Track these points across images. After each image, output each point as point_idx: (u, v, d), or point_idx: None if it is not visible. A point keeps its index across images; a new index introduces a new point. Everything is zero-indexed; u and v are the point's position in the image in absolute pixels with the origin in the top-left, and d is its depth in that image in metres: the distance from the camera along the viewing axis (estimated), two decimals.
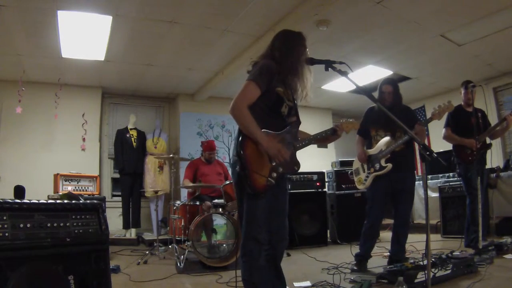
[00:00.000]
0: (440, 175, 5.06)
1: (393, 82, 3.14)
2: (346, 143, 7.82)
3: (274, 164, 1.78)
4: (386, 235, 4.30)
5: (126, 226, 5.39)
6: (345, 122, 2.15)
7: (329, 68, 1.90)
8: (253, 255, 1.77)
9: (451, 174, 4.86)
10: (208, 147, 4.48)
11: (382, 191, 3.00)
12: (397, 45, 4.60)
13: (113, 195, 6.20)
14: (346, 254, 3.36)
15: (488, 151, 3.74)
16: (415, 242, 3.90)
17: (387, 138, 2.99)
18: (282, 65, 1.87)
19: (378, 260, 3.32)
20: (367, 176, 3.08)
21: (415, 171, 3.24)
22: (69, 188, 4.43)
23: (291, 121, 1.94)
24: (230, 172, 1.93)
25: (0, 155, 5.13)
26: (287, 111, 1.90)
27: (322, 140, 2.11)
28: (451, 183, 4.70)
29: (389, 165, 2.94)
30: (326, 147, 7.00)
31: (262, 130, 1.76)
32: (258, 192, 1.75)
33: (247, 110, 1.74)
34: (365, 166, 3.12)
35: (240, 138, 1.77)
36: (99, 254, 1.65)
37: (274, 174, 1.78)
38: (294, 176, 4.75)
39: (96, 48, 4.48)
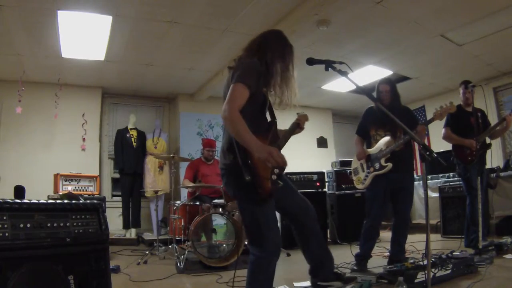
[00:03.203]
0: (440, 175, 5.05)
1: (390, 82, 3.13)
2: (346, 143, 7.85)
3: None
4: (386, 235, 4.30)
5: (126, 226, 5.38)
6: (302, 115, 2.16)
7: (329, 68, 1.90)
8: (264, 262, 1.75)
9: (451, 174, 4.85)
10: (208, 143, 4.54)
11: (381, 190, 2.98)
12: (397, 45, 4.60)
13: (113, 195, 6.20)
14: (346, 254, 3.35)
15: (488, 151, 3.74)
16: (415, 242, 3.90)
17: (387, 138, 2.98)
18: (271, 67, 1.81)
19: (378, 260, 3.31)
20: (367, 176, 3.06)
21: (414, 171, 3.24)
22: (69, 188, 4.43)
23: (271, 121, 1.92)
24: (225, 182, 1.82)
25: (0, 155, 5.13)
26: (266, 111, 1.89)
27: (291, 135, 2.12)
28: (451, 183, 4.69)
29: (389, 165, 2.92)
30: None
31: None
32: (268, 197, 1.69)
33: (239, 115, 1.62)
34: (364, 166, 3.11)
35: (238, 145, 1.65)
36: (99, 254, 1.65)
37: (274, 176, 1.74)
38: (294, 176, 4.75)
39: (96, 48, 4.48)
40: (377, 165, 2.99)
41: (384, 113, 2.96)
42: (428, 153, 1.62)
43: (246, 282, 1.78)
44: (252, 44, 1.91)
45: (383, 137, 3.02)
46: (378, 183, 2.99)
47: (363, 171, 3.11)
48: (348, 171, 4.74)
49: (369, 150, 3.10)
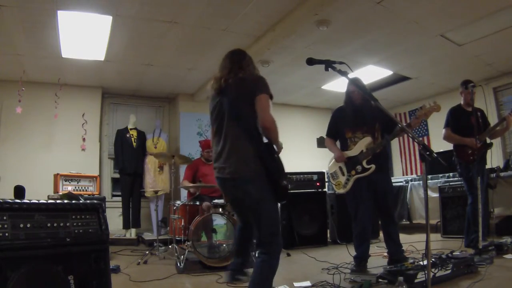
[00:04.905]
0: (440, 175, 5.05)
1: (357, 80, 3.07)
2: None
3: None
4: None
5: (126, 226, 5.38)
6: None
7: (329, 68, 1.90)
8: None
9: (451, 174, 4.85)
10: (206, 145, 4.52)
11: (364, 192, 2.93)
12: (397, 45, 4.60)
13: (113, 195, 6.20)
14: (346, 254, 3.35)
15: (488, 151, 3.73)
16: (415, 242, 3.90)
17: (368, 139, 2.92)
18: None
19: (378, 260, 3.32)
20: (348, 179, 2.98)
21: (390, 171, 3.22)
22: (69, 188, 4.43)
23: None
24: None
25: (0, 155, 5.13)
26: None
27: None
28: (451, 183, 4.69)
29: (373, 166, 2.86)
30: None
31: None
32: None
33: None
34: (344, 169, 3.01)
35: (267, 152, 1.88)
36: (99, 254, 1.65)
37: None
38: (294, 176, 4.75)
39: (96, 48, 4.48)
40: (359, 168, 2.92)
41: (356, 113, 2.95)
42: (428, 153, 1.62)
43: (253, 283, 1.78)
44: (246, 62, 2.17)
45: (361, 139, 2.96)
46: (360, 186, 2.94)
47: (343, 174, 3.02)
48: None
49: (346, 152, 3.01)
